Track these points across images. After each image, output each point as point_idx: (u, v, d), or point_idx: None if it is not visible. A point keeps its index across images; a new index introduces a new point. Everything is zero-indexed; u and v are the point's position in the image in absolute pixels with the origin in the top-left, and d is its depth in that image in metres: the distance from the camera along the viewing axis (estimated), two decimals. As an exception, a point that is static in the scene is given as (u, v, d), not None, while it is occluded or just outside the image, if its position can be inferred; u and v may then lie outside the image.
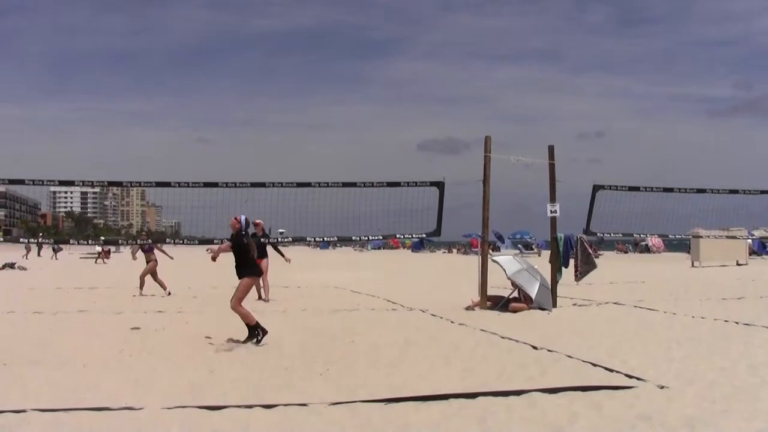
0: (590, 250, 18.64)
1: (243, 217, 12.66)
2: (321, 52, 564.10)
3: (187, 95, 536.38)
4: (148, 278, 21.07)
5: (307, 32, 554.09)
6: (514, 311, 16.26)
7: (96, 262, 49.85)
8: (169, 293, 20.91)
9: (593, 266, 19.01)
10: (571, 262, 18.44)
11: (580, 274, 18.64)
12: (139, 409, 7.38)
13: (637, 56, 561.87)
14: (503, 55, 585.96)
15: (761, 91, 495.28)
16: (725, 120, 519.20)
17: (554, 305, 16.99)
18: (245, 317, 12.10)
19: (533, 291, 16.60)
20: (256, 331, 11.97)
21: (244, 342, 11.92)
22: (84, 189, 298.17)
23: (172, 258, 22.86)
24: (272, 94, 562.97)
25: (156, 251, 21.50)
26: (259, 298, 19.33)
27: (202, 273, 32.44)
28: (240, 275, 12.36)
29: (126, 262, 45.76)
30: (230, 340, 12.33)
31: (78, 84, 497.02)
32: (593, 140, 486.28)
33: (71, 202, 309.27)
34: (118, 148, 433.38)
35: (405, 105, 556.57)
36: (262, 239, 18.82)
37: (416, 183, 17.69)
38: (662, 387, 8.31)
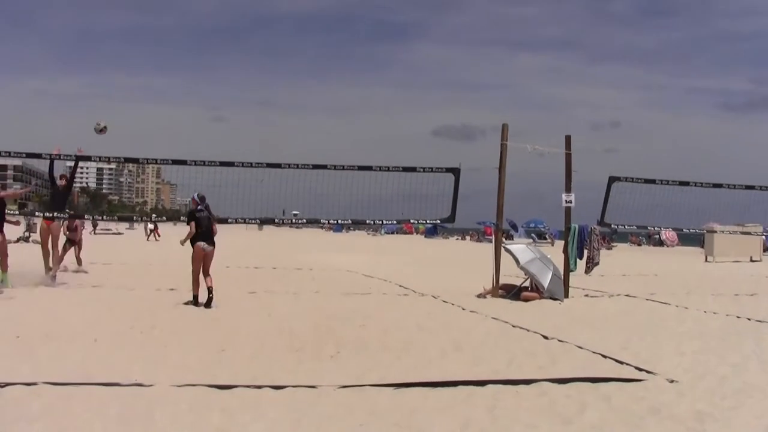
0: (596, 244, 18.52)
1: (195, 195, 14.64)
2: (340, 34, 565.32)
3: (206, 74, 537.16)
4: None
5: (327, 14, 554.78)
6: (526, 300, 16.25)
7: (148, 239, 51.12)
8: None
9: (597, 261, 18.86)
10: (585, 253, 18.35)
11: (590, 267, 18.57)
12: (149, 385, 7.42)
13: (656, 47, 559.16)
14: (523, 43, 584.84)
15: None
16: (741, 114, 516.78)
17: (566, 295, 16.97)
18: (192, 286, 14.19)
19: (545, 280, 16.58)
20: (193, 299, 14.05)
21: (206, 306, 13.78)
22: (100, 165, 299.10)
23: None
24: (290, 75, 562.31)
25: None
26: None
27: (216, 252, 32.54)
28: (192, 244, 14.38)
29: (166, 241, 46.02)
30: (242, 319, 12.41)
31: (96, 59, 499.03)
32: (608, 130, 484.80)
33: (87, 178, 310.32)
34: (134, 124, 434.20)
35: (422, 90, 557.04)
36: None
37: (432, 169, 17.68)
38: (672, 381, 8.30)
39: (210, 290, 13.91)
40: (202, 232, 14.29)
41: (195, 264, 14.24)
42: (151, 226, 54.05)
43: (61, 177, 17.77)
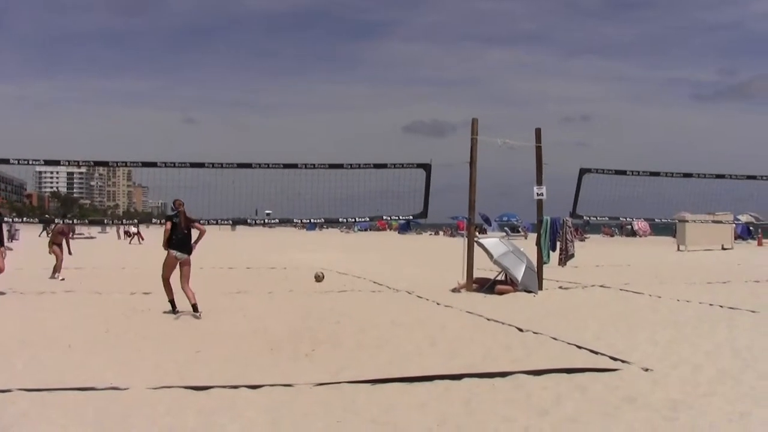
0: (570, 236, 18.63)
1: (174, 201, 13.87)
2: (310, 33, 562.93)
3: (177, 75, 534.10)
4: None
5: (298, 13, 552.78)
6: (500, 293, 16.30)
7: (130, 243, 51.54)
8: None
9: (572, 253, 18.99)
10: (558, 245, 18.44)
11: (564, 259, 18.68)
12: (125, 389, 7.39)
13: (628, 40, 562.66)
14: (495, 38, 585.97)
15: (747, 75, 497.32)
16: (712, 104, 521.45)
17: (540, 288, 17.05)
18: (165, 291, 13.55)
19: (519, 274, 16.64)
20: (170, 303, 13.51)
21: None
22: (70, 169, 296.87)
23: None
24: (260, 75, 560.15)
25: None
26: None
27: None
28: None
29: (150, 244, 45.74)
30: (217, 320, 12.38)
31: (67, 63, 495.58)
32: (578, 124, 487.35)
33: (57, 182, 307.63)
34: (106, 128, 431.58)
35: (393, 87, 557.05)
36: None
37: (403, 165, 17.68)
38: (647, 370, 8.37)
39: (195, 307, 13.08)
40: (178, 239, 13.35)
41: (165, 270, 13.44)
42: (133, 229, 54.30)
43: None
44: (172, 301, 13.45)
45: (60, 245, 21.14)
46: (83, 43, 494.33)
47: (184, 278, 13.40)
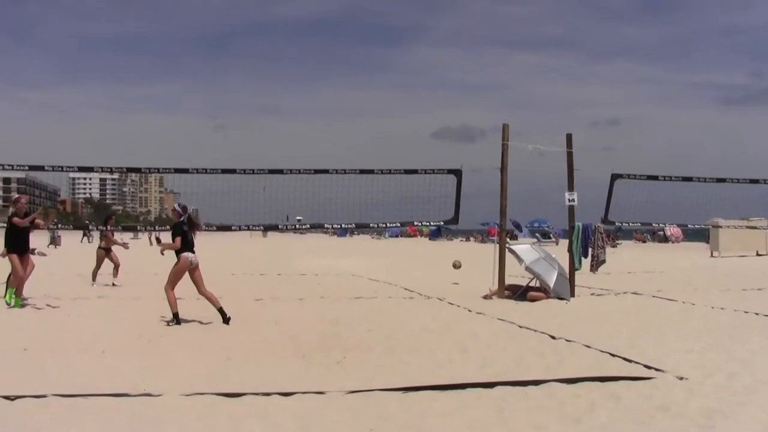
0: (601, 242, 18.54)
1: (176, 204, 13.35)
2: (337, 38, 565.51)
3: (204, 81, 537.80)
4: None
5: (325, 18, 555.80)
6: (532, 300, 16.22)
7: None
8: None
9: (604, 259, 18.93)
10: (590, 251, 18.34)
11: (595, 265, 18.58)
12: (158, 395, 7.40)
13: (654, 43, 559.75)
14: (521, 42, 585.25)
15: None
16: (740, 108, 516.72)
17: (572, 295, 16.94)
18: (170, 303, 12.81)
19: (551, 280, 16.55)
20: (174, 317, 12.70)
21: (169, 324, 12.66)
22: (103, 175, 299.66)
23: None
24: (289, 81, 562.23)
25: None
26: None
27: (220, 260, 32.50)
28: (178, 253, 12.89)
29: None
30: (248, 326, 12.41)
31: (96, 70, 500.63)
32: (607, 128, 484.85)
33: (90, 189, 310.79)
34: (135, 134, 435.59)
35: (421, 92, 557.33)
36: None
37: (433, 170, 17.68)
38: (681, 378, 8.28)
39: (222, 312, 12.74)
40: (188, 244, 12.80)
41: (175, 278, 12.81)
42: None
43: (16, 201, 15.60)
44: (176, 314, 12.73)
45: (108, 250, 20.86)
46: (108, 50, 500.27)
47: (199, 283, 12.98)
